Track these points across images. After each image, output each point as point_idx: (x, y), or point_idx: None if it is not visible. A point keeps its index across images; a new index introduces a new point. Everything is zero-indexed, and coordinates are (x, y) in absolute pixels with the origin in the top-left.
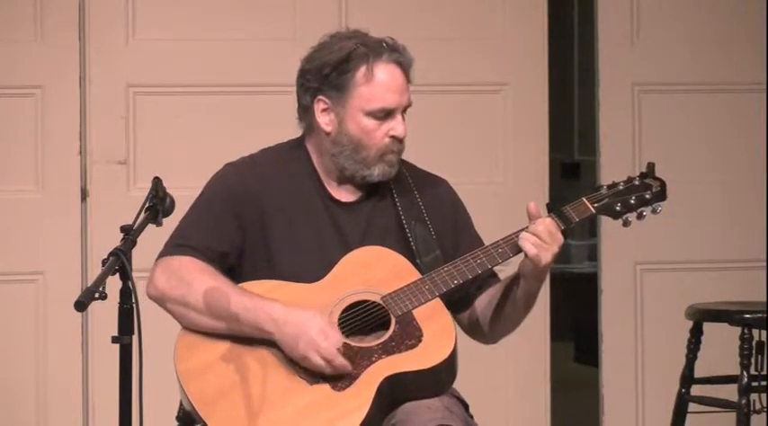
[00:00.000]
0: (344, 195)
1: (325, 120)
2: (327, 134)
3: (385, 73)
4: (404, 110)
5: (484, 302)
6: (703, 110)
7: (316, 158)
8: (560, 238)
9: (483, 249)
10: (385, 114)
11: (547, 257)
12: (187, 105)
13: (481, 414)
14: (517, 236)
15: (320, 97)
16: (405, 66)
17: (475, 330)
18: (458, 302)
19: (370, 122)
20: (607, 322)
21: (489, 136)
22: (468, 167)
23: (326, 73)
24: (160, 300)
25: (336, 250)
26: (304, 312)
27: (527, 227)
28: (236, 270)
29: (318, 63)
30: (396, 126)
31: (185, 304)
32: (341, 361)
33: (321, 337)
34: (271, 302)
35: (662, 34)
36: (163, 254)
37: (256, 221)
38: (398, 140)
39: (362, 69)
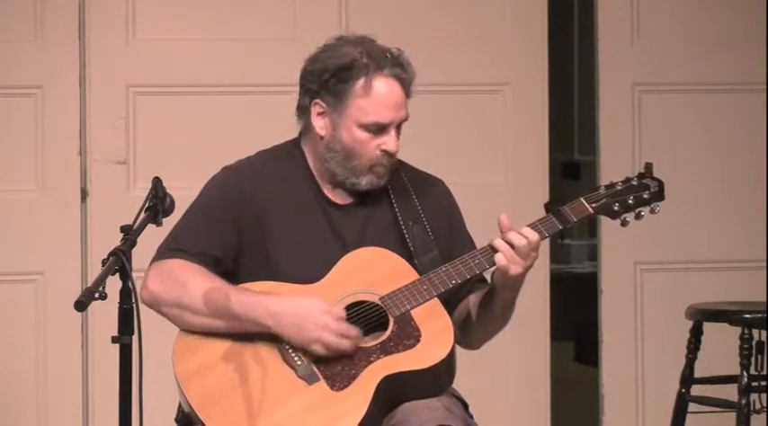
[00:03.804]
0: (341, 197)
1: (319, 124)
2: (321, 138)
3: (383, 87)
4: (399, 125)
5: (469, 306)
6: (703, 110)
7: (311, 161)
8: (534, 256)
9: (481, 250)
10: (378, 128)
11: (517, 270)
12: (187, 105)
13: (481, 414)
14: None
15: (317, 100)
16: (405, 81)
17: (460, 333)
18: (445, 304)
19: (363, 134)
20: (607, 322)
21: (489, 136)
22: (468, 167)
23: (326, 78)
24: (155, 304)
25: (334, 251)
26: (301, 299)
27: (504, 235)
28: (232, 273)
29: (320, 66)
30: (388, 141)
31: (180, 305)
32: (354, 331)
33: (327, 316)
34: (266, 296)
35: (662, 34)
36: (156, 258)
37: (253, 224)
38: (389, 155)
39: (361, 81)
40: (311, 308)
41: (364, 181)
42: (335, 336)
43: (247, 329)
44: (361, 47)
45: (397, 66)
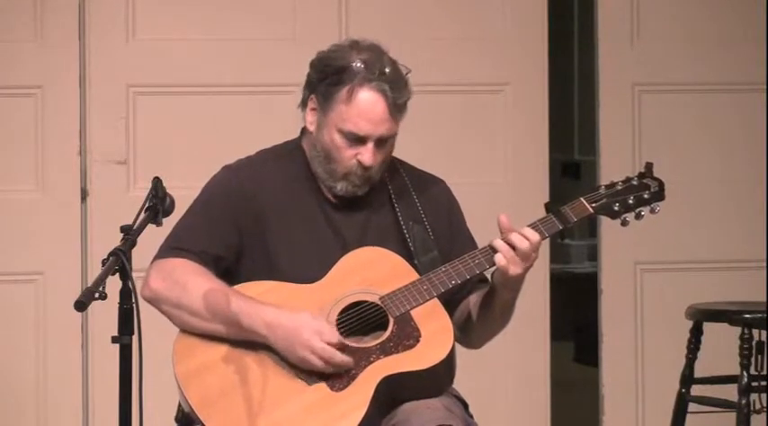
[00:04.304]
0: (341, 196)
1: (310, 119)
2: (311, 133)
3: (366, 100)
4: (383, 140)
5: (469, 307)
6: (703, 110)
7: (310, 159)
8: (534, 256)
9: (481, 250)
10: (355, 138)
11: (517, 270)
12: (187, 105)
13: (481, 414)
14: None
15: (312, 96)
16: (390, 100)
17: (460, 333)
18: (446, 304)
19: (340, 140)
20: (607, 322)
21: (489, 136)
22: (468, 167)
23: (322, 77)
24: (155, 302)
25: (334, 251)
26: (297, 314)
27: (504, 236)
28: (233, 272)
29: (321, 64)
30: (364, 153)
31: (180, 306)
32: (340, 358)
33: (316, 338)
34: (264, 305)
35: (662, 34)
36: (157, 257)
37: (254, 223)
38: (364, 167)
39: (347, 88)
40: (305, 326)
41: (339, 186)
42: (319, 360)
43: (242, 336)
44: (364, 54)
45: (387, 82)
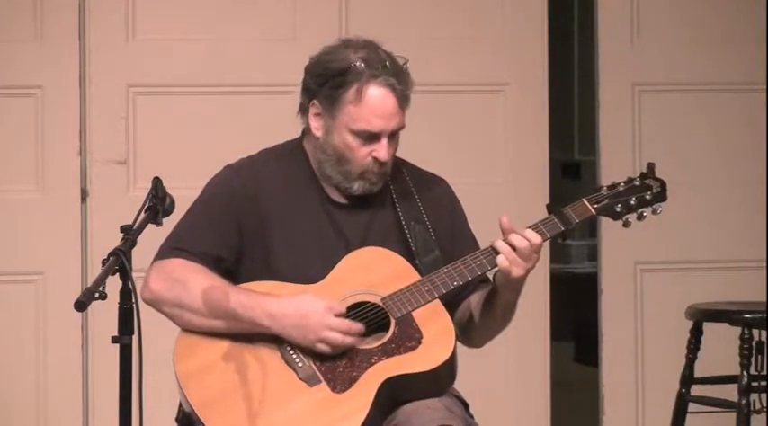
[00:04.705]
0: (343, 196)
1: (315, 125)
2: (317, 138)
3: (375, 96)
4: (394, 133)
5: (471, 307)
6: (703, 110)
7: (313, 160)
8: (536, 257)
9: (483, 251)
10: (369, 136)
11: (519, 272)
12: (187, 105)
13: (481, 414)
14: None
15: (314, 101)
16: (398, 92)
17: (462, 333)
18: (447, 305)
19: (353, 140)
20: (607, 322)
21: (489, 136)
22: (467, 167)
23: (322, 81)
24: (155, 303)
25: (336, 251)
26: (299, 299)
27: (505, 237)
28: (234, 272)
29: (319, 68)
30: (379, 149)
31: (181, 305)
32: (357, 326)
33: (329, 315)
34: (266, 297)
35: (662, 34)
36: (157, 258)
37: (255, 223)
38: (380, 163)
39: (354, 88)
40: (313, 307)
41: (356, 186)
42: (339, 334)
43: (246, 330)
44: (362, 52)
45: (392, 75)
